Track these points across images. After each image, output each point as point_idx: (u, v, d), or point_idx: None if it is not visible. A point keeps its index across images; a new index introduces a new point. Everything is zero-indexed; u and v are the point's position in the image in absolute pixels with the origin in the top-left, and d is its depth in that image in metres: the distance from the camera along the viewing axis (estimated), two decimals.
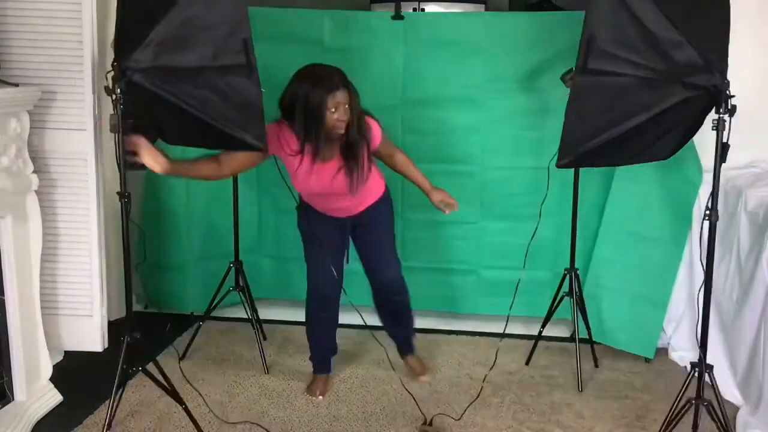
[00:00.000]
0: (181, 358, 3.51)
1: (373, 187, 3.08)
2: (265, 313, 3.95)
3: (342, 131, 2.80)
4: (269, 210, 4.12)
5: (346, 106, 2.77)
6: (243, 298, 3.56)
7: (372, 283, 3.26)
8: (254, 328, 3.54)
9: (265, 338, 3.74)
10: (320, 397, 3.21)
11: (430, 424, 2.96)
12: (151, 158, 2.62)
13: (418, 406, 3.07)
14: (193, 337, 3.61)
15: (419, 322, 3.90)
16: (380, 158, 3.11)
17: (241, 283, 3.57)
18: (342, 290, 3.15)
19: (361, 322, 3.39)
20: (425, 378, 3.36)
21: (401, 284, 3.28)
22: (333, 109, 2.74)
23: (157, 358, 3.07)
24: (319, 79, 2.75)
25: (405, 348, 3.43)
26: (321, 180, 2.91)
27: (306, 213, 3.11)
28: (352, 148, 2.86)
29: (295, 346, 3.73)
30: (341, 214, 3.08)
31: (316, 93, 2.72)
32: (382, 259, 3.22)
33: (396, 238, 3.31)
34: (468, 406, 3.10)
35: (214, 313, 3.73)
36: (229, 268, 3.57)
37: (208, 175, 2.86)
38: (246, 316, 3.68)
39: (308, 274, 3.16)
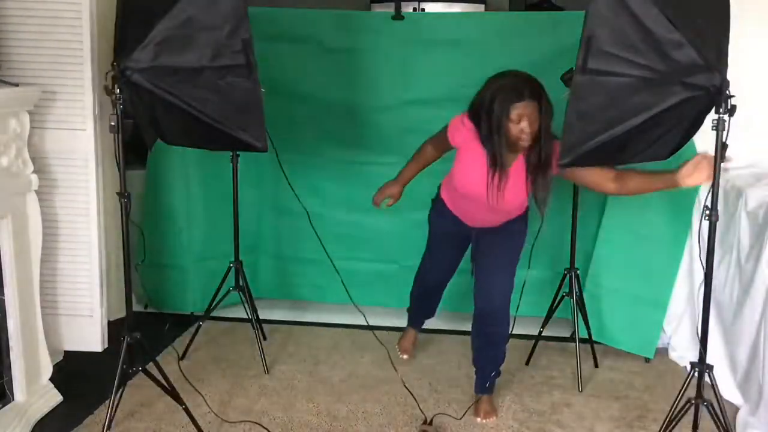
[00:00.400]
0: (181, 358, 3.51)
1: (520, 208, 2.99)
2: (265, 313, 3.96)
3: (526, 144, 2.68)
4: (269, 210, 4.13)
5: (533, 117, 2.64)
6: (243, 298, 3.56)
7: (474, 302, 3.02)
8: (254, 328, 3.54)
9: (265, 338, 3.74)
10: (404, 356, 3.51)
11: (430, 423, 2.96)
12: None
13: (419, 406, 3.08)
14: (193, 337, 3.61)
15: None
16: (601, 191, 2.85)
17: (241, 283, 3.57)
18: (447, 282, 3.37)
19: (362, 322, 3.39)
20: (480, 420, 3.03)
21: (502, 314, 2.98)
22: (516, 120, 2.63)
23: (157, 358, 3.07)
24: (506, 87, 2.65)
25: (480, 386, 3.09)
26: (481, 183, 2.79)
27: (439, 207, 3.15)
28: (539, 168, 2.74)
29: (295, 346, 3.74)
30: (475, 224, 3.04)
31: (500, 100, 2.64)
32: (491, 274, 2.98)
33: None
34: (468, 406, 3.09)
35: (214, 313, 3.73)
36: (229, 268, 3.57)
37: (426, 165, 3.12)
38: (246, 316, 3.68)
39: (423, 257, 3.35)
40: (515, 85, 2.65)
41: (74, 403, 3.09)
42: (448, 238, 3.20)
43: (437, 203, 3.17)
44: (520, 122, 2.64)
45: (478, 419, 3.02)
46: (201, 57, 2.55)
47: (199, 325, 3.64)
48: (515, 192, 2.84)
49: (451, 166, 3.00)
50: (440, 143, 3.00)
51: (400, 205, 3.36)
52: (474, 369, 3.13)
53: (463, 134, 2.84)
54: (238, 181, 3.57)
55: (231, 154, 3.45)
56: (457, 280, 3.97)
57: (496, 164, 2.75)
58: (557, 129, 2.57)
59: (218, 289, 3.60)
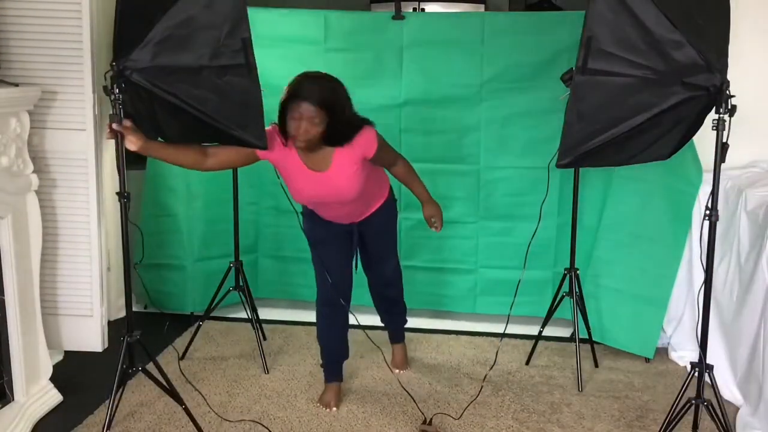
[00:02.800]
0: (181, 358, 3.51)
1: (378, 191, 3.04)
2: (265, 313, 3.96)
3: (301, 145, 2.67)
4: (269, 210, 4.13)
5: (309, 120, 2.61)
6: (243, 298, 3.56)
7: (369, 276, 3.29)
8: (254, 328, 3.54)
9: (265, 338, 3.74)
10: (334, 409, 3.09)
11: (430, 423, 2.96)
12: (130, 134, 2.57)
13: (418, 406, 3.07)
14: (193, 337, 3.61)
15: (419, 322, 3.92)
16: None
17: (241, 283, 3.57)
18: (350, 295, 3.12)
19: (362, 322, 3.39)
20: (398, 372, 3.43)
21: (397, 278, 3.34)
22: (294, 118, 2.63)
23: (157, 358, 3.07)
24: (291, 84, 2.66)
25: (395, 336, 3.51)
26: (316, 188, 2.84)
27: (310, 217, 3.05)
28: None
29: (295, 347, 3.74)
30: (347, 220, 3.04)
31: (283, 95, 2.66)
32: (381, 259, 3.25)
33: (397, 236, 3.33)
34: (467, 406, 3.09)
35: (214, 313, 3.73)
36: (229, 268, 3.57)
37: (187, 163, 2.79)
38: (246, 316, 3.68)
39: (316, 278, 3.12)
40: (293, 83, 2.66)
41: (74, 403, 3.08)
42: (328, 241, 3.07)
43: (305, 214, 3.07)
44: (298, 121, 2.62)
45: (396, 371, 3.43)
46: (200, 56, 2.55)
47: (199, 325, 3.64)
48: (349, 182, 2.81)
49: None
50: (230, 155, 2.83)
51: (400, 206, 3.36)
52: (386, 327, 3.50)
53: (274, 141, 2.77)
54: (238, 181, 3.57)
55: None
56: (455, 281, 3.99)
57: (310, 166, 2.79)
58: (557, 129, 2.57)
59: (218, 289, 3.60)
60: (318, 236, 3.06)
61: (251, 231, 4.11)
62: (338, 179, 2.78)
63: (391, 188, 3.15)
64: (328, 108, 2.61)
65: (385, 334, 3.54)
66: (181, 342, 3.69)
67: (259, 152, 2.78)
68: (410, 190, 3.10)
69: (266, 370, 3.43)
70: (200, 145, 2.77)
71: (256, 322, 3.58)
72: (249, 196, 4.04)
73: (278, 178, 2.94)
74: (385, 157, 2.91)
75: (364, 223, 3.07)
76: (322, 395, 3.17)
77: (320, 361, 3.23)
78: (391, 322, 3.50)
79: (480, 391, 3.22)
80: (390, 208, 3.15)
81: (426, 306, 4.01)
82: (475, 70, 3.76)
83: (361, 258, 3.21)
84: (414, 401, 3.11)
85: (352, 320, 3.16)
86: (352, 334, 3.77)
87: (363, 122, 2.78)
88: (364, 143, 2.76)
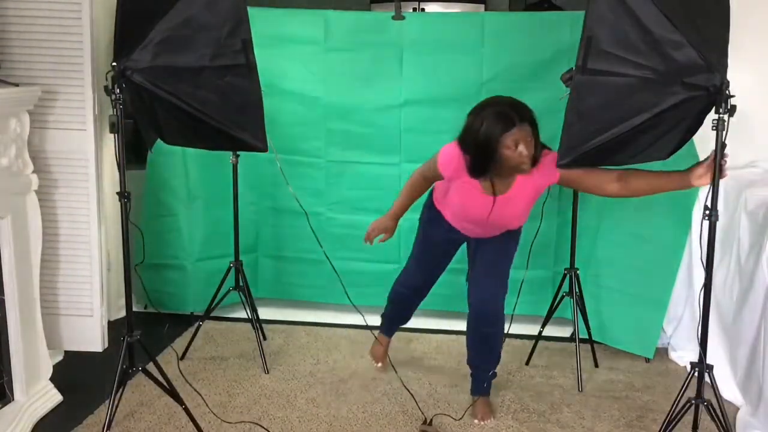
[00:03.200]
0: (181, 358, 3.51)
1: (521, 221, 2.96)
2: (265, 313, 3.96)
3: (527, 167, 2.62)
4: (269, 210, 4.13)
5: (528, 140, 2.60)
6: (243, 298, 3.56)
7: (468, 300, 3.03)
8: (254, 328, 3.54)
9: (265, 338, 3.74)
10: (380, 364, 3.41)
11: (430, 423, 2.96)
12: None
13: (418, 406, 3.07)
14: (193, 337, 3.61)
15: (419, 322, 3.91)
16: (599, 193, 2.82)
17: (241, 283, 3.57)
18: (430, 288, 3.26)
19: (361, 322, 3.39)
20: (478, 422, 3.01)
21: (496, 315, 2.98)
22: (513, 147, 2.58)
23: (157, 358, 3.07)
24: (493, 116, 2.60)
25: (477, 388, 3.11)
26: (482, 211, 2.80)
27: (433, 215, 3.03)
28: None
29: (295, 346, 3.74)
30: (471, 234, 3.00)
31: (491, 131, 2.58)
32: (485, 277, 2.99)
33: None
34: (468, 406, 3.09)
35: (214, 313, 3.73)
36: (229, 268, 3.57)
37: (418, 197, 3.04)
38: (246, 316, 3.68)
39: (408, 261, 3.26)
40: (502, 111, 2.60)
41: (74, 403, 3.09)
42: (441, 245, 3.13)
43: (431, 211, 3.07)
44: (518, 147, 2.58)
45: (476, 421, 3.01)
46: (201, 57, 2.55)
47: (199, 325, 3.64)
48: (518, 210, 2.85)
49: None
50: (431, 174, 2.90)
51: None
52: (470, 371, 3.14)
53: (454, 166, 2.75)
54: (239, 181, 3.57)
55: (231, 153, 3.45)
56: (457, 280, 3.98)
57: (495, 192, 2.76)
58: (557, 129, 2.56)
59: (218, 289, 3.60)
60: (434, 236, 3.10)
61: (251, 231, 4.11)
62: (513, 202, 2.77)
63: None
64: (534, 126, 2.63)
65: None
66: (181, 342, 3.69)
67: (443, 174, 2.80)
68: (664, 189, 2.72)
69: (266, 370, 3.43)
70: (418, 184, 2.97)
71: (256, 322, 3.58)
72: (249, 196, 4.04)
73: (288, 185, 3.14)
74: (591, 175, 2.67)
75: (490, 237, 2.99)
76: (374, 348, 3.46)
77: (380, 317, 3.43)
78: (478, 367, 3.10)
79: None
80: (516, 231, 3.04)
81: (426, 306, 3.99)
82: (475, 70, 3.76)
83: (470, 269, 3.10)
84: (415, 401, 3.11)
85: (359, 320, 3.16)
86: (353, 334, 3.79)
87: (544, 146, 2.73)
88: (544, 175, 2.71)
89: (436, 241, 3.10)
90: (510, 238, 3.02)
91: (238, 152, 3.46)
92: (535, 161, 2.65)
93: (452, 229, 3.01)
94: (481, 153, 2.62)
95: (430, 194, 3.11)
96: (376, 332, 3.45)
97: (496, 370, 3.09)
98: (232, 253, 3.60)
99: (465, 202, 2.83)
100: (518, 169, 2.64)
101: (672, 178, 2.58)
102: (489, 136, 2.58)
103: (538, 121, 2.64)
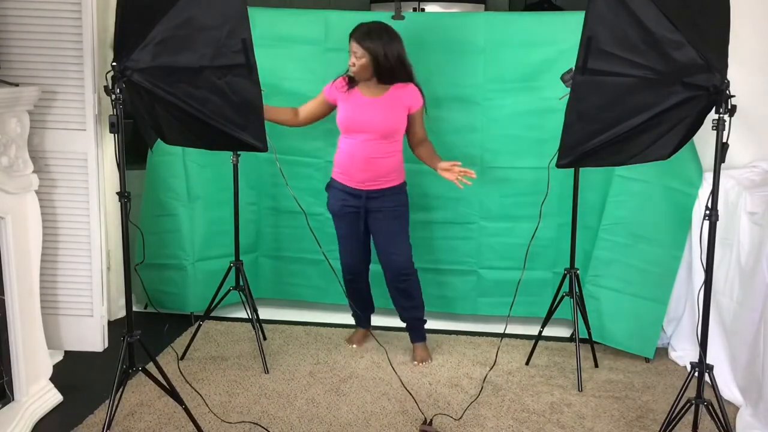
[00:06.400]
0: (181, 358, 3.51)
1: (394, 168, 3.40)
2: (265, 313, 3.96)
3: (352, 74, 3.35)
4: (269, 210, 4.12)
5: (357, 56, 3.28)
6: (243, 298, 3.56)
7: (384, 268, 3.51)
8: (254, 328, 3.54)
9: (265, 338, 3.74)
10: (354, 346, 3.70)
11: (430, 423, 2.96)
12: None
13: (418, 407, 3.08)
14: (193, 337, 3.62)
15: None
16: (409, 138, 3.45)
17: (241, 283, 3.57)
18: (368, 263, 3.62)
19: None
20: (418, 364, 3.52)
21: (410, 268, 3.50)
22: (352, 53, 3.31)
23: (157, 358, 3.06)
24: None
25: (416, 335, 3.62)
26: (359, 108, 3.36)
27: (332, 192, 3.49)
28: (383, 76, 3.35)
29: (295, 346, 3.74)
30: (360, 182, 3.37)
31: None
32: (395, 249, 3.45)
33: (408, 226, 3.36)
34: (468, 406, 3.09)
35: (214, 313, 3.73)
36: (230, 267, 3.57)
37: (285, 120, 3.53)
38: (246, 316, 3.67)
39: (339, 251, 3.59)
40: (358, 26, 3.34)
41: (74, 403, 3.09)
42: (344, 216, 3.48)
43: (328, 190, 3.53)
44: (352, 56, 3.32)
45: (415, 363, 3.52)
46: (201, 57, 2.55)
47: (200, 325, 3.64)
48: (391, 113, 3.35)
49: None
50: (310, 108, 3.58)
51: None
52: (406, 324, 3.62)
53: (333, 85, 3.47)
54: (239, 181, 3.57)
55: (232, 154, 3.45)
56: (455, 282, 3.99)
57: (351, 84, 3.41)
58: (557, 129, 2.57)
59: (218, 289, 3.60)
60: (335, 208, 3.50)
61: (251, 231, 4.11)
62: (386, 105, 3.34)
63: (405, 184, 3.47)
64: (368, 45, 3.27)
65: (388, 334, 3.54)
66: (181, 342, 3.69)
67: (327, 96, 3.46)
68: (427, 164, 3.44)
69: (266, 370, 3.43)
70: (292, 107, 3.54)
71: (257, 322, 3.58)
72: (249, 196, 4.04)
73: (287, 185, 3.41)
74: (420, 123, 3.44)
75: (375, 197, 3.39)
76: (350, 336, 3.79)
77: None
78: (410, 315, 3.60)
79: (480, 392, 3.22)
80: (402, 193, 3.47)
81: (426, 308, 3.99)
82: (475, 70, 3.76)
83: (374, 243, 3.53)
84: (415, 401, 3.11)
85: None
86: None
87: (413, 79, 3.39)
88: (414, 95, 3.38)
89: (340, 212, 3.48)
90: (396, 205, 3.45)
91: (238, 152, 3.46)
92: (381, 76, 3.33)
93: (344, 191, 3.43)
94: None
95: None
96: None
97: (425, 318, 3.62)
98: (232, 253, 3.60)
99: (350, 107, 3.38)
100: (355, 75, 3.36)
101: (433, 160, 3.39)
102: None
103: (381, 39, 3.27)
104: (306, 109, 3.54)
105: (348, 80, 3.42)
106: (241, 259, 3.60)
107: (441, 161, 3.35)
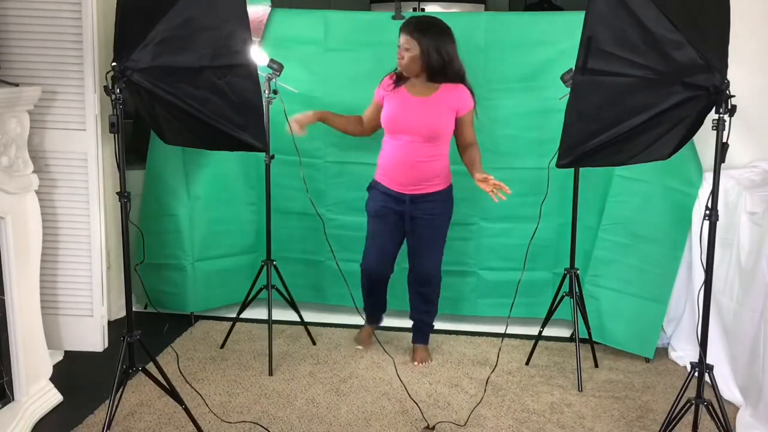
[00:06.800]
0: (221, 347, 3.54)
1: (441, 172, 3.35)
2: (265, 312, 3.96)
3: (400, 68, 3.29)
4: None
5: (406, 48, 3.22)
6: (284, 296, 3.62)
7: (410, 269, 3.51)
8: (304, 329, 3.63)
9: (314, 343, 3.76)
10: (360, 347, 3.64)
11: (433, 429, 2.96)
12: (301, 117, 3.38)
13: (418, 407, 3.07)
14: (229, 332, 3.70)
15: None
16: (457, 141, 3.39)
17: (271, 282, 3.57)
18: (389, 269, 3.51)
19: (361, 322, 3.39)
20: (417, 365, 3.50)
21: (436, 276, 3.48)
22: (401, 47, 3.25)
23: (157, 358, 3.07)
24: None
25: (418, 337, 3.60)
26: (404, 107, 3.29)
27: (372, 193, 3.44)
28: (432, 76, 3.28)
29: (295, 347, 3.74)
30: (403, 185, 3.31)
31: None
32: (425, 254, 3.41)
33: (446, 236, 3.39)
34: (471, 411, 3.09)
35: (214, 313, 3.73)
36: (262, 266, 3.57)
37: (353, 131, 3.56)
38: (245, 317, 3.67)
39: (364, 249, 3.51)
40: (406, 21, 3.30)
41: (74, 403, 3.09)
42: (383, 216, 3.41)
43: (369, 191, 3.48)
44: (400, 50, 3.25)
45: (415, 363, 3.50)
46: (201, 57, 2.55)
47: (233, 324, 3.70)
48: (440, 115, 3.27)
49: None
50: (368, 115, 3.56)
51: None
52: (413, 324, 3.60)
53: (383, 84, 3.44)
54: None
55: (265, 155, 3.43)
56: (455, 283, 3.98)
57: (399, 82, 3.35)
58: (557, 129, 2.57)
59: (251, 287, 3.63)
60: (374, 211, 3.43)
61: (251, 231, 4.10)
62: (433, 106, 3.25)
63: (451, 187, 3.43)
64: (420, 38, 3.19)
65: (389, 334, 3.54)
66: (181, 342, 3.69)
67: (377, 98, 3.42)
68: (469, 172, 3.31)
69: (270, 372, 3.42)
70: (358, 116, 3.53)
71: (304, 319, 3.67)
72: (249, 196, 4.04)
73: (307, 192, 3.45)
74: (469, 127, 3.35)
75: (418, 202, 3.33)
76: (357, 334, 3.74)
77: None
78: (419, 320, 3.59)
79: (483, 396, 3.20)
80: (447, 199, 3.42)
81: None
82: (475, 70, 3.75)
83: (408, 244, 3.48)
84: (414, 401, 3.11)
85: (358, 320, 3.16)
86: (353, 334, 3.79)
87: (464, 80, 3.31)
88: (464, 97, 3.30)
89: (378, 213, 3.41)
90: (439, 212, 3.39)
91: (270, 153, 3.45)
92: (431, 74, 3.26)
93: (386, 194, 3.37)
94: None
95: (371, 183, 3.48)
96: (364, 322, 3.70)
97: (434, 324, 3.60)
98: (232, 253, 3.60)
99: (397, 105, 3.31)
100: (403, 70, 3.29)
101: (473, 168, 3.24)
102: None
103: (434, 33, 3.21)
104: (366, 117, 3.53)
105: (396, 78, 3.35)
106: (241, 259, 3.59)
107: (478, 171, 3.21)
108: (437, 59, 3.20)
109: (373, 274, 3.50)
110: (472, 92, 3.32)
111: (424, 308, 3.54)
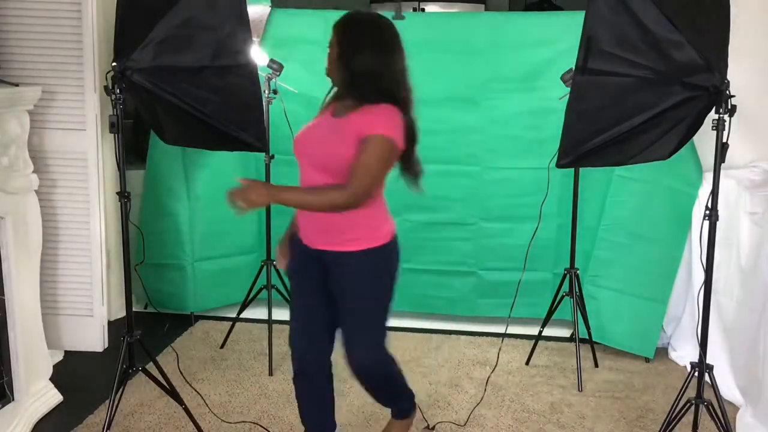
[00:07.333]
0: (221, 347, 3.50)
1: (356, 226, 2.31)
2: (264, 312, 3.95)
3: (327, 75, 2.35)
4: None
5: (331, 47, 2.32)
6: (284, 296, 3.58)
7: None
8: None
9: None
10: None
11: (433, 429, 2.96)
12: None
13: (418, 407, 3.07)
14: (228, 334, 3.68)
15: (419, 323, 3.91)
16: None
17: (271, 282, 3.57)
18: (327, 354, 2.50)
19: None
20: None
21: (370, 366, 2.47)
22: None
23: (157, 358, 3.07)
24: None
25: (395, 414, 2.74)
26: (309, 127, 2.38)
27: (290, 246, 2.47)
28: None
29: None
30: (309, 236, 2.37)
31: None
32: (351, 337, 2.41)
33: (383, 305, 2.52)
34: (472, 411, 3.09)
35: (213, 313, 3.73)
36: (262, 266, 3.58)
37: None
38: (245, 317, 3.67)
39: (290, 326, 2.56)
40: None
41: (74, 403, 3.08)
42: (301, 279, 2.46)
43: (290, 244, 2.49)
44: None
45: None
46: (201, 57, 2.55)
47: (233, 325, 3.68)
48: (335, 140, 2.25)
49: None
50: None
51: (398, 207, 3.35)
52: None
53: None
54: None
55: (265, 155, 3.41)
56: (455, 283, 3.98)
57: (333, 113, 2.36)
58: (557, 129, 2.56)
59: (251, 287, 3.62)
60: (291, 267, 2.47)
61: (252, 232, 4.10)
62: (335, 131, 2.26)
63: (394, 238, 2.47)
64: (339, 37, 2.30)
65: (389, 333, 3.52)
66: (181, 342, 3.69)
67: None
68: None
69: (270, 372, 3.42)
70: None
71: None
72: None
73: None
74: (361, 157, 2.19)
75: (332, 265, 2.35)
76: None
77: None
78: (385, 405, 2.75)
79: (483, 396, 3.20)
80: (369, 265, 2.36)
81: (425, 310, 4.00)
82: (475, 70, 3.76)
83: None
84: (421, 412, 3.10)
85: None
86: None
87: (387, 99, 2.27)
88: (370, 118, 2.23)
89: (294, 273, 2.48)
90: (358, 274, 2.35)
91: (270, 153, 3.44)
92: (343, 86, 2.32)
93: (303, 251, 2.39)
94: None
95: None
96: None
97: (411, 402, 2.70)
98: (232, 253, 3.60)
99: (300, 132, 2.39)
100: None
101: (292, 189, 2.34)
102: None
103: (354, 32, 2.31)
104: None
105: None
106: (241, 259, 3.59)
107: (274, 186, 2.36)
108: (352, 68, 2.26)
109: (299, 362, 2.49)
110: (409, 122, 2.33)
111: (383, 401, 2.70)
